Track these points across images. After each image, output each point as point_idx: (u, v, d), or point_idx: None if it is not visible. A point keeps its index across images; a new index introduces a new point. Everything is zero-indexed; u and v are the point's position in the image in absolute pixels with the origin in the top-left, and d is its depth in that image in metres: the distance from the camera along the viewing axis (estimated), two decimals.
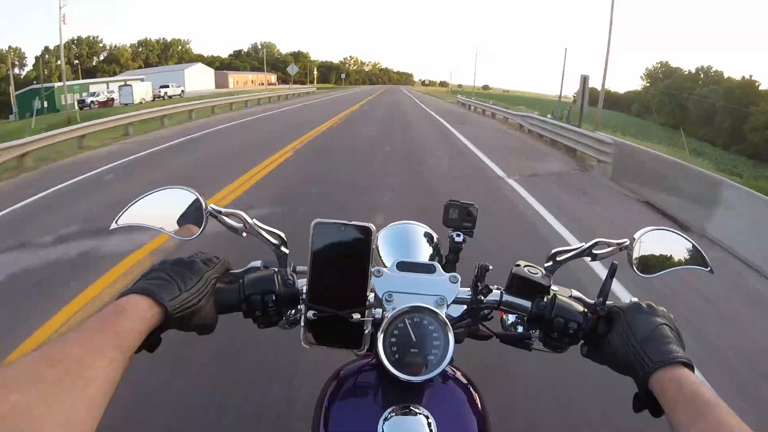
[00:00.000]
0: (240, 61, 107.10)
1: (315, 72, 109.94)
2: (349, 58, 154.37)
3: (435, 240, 0.89)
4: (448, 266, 0.79)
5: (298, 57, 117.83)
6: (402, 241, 0.88)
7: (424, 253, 0.87)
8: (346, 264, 0.61)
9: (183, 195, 0.64)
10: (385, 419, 0.57)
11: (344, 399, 0.65)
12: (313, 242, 0.60)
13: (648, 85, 77.79)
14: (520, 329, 0.72)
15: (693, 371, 0.53)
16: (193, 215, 0.63)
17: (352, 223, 0.61)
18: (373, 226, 0.60)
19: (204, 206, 0.63)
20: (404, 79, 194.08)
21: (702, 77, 62.44)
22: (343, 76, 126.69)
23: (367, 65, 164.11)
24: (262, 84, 71.23)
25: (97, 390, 0.41)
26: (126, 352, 0.47)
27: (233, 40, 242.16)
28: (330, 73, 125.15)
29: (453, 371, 0.69)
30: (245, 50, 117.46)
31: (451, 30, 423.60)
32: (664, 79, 72.96)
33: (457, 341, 0.64)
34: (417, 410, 0.58)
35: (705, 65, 62.94)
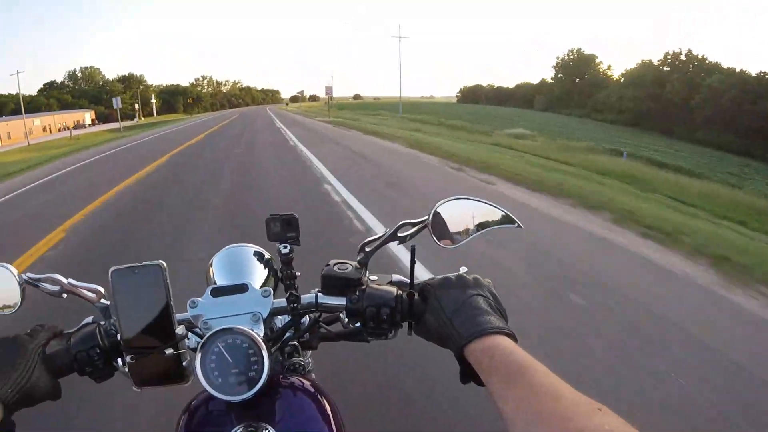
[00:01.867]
0: (47, 97, 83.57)
1: (153, 100, 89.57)
2: (201, 79, 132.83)
3: (266, 257, 0.92)
4: (287, 279, 0.76)
5: (130, 83, 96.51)
6: (230, 265, 0.91)
7: (253, 273, 0.89)
8: (148, 303, 0.62)
9: None
10: None
11: (196, 429, 0.66)
12: (114, 289, 0.62)
13: (560, 76, 70.90)
14: (358, 324, 0.72)
15: (514, 339, 0.54)
16: (9, 288, 0.65)
17: (144, 263, 0.62)
18: (163, 263, 0.62)
19: (17, 278, 0.65)
20: (270, 97, 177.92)
21: (677, 64, 55.09)
22: (189, 101, 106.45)
23: (224, 85, 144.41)
24: (68, 128, 51.10)
25: None
26: None
27: (45, 71, 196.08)
28: (175, 100, 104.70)
29: (301, 382, 0.71)
30: (60, 80, 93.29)
31: (317, 41, 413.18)
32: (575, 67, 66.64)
33: (311, 348, 0.78)
34: (261, 428, 0.60)
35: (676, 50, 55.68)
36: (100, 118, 78.79)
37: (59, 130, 61.68)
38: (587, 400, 0.43)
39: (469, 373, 0.55)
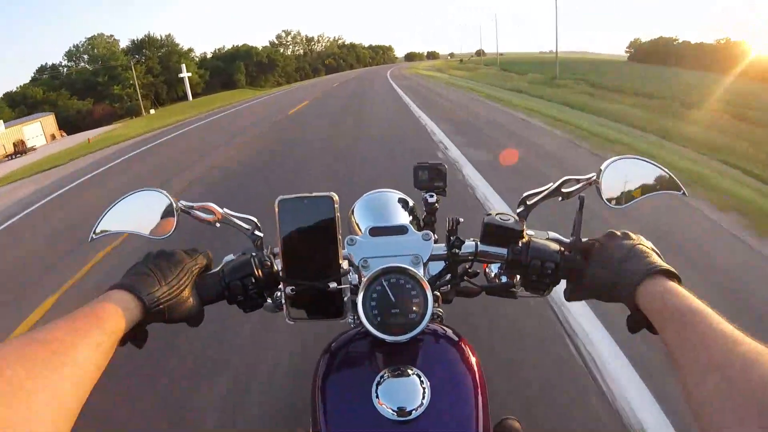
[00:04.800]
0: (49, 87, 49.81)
1: (184, 73, 51.13)
2: (283, 35, 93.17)
3: (410, 204, 0.94)
4: (427, 227, 0.80)
5: (149, 49, 59.09)
6: (377, 209, 0.93)
7: (400, 218, 0.90)
8: (315, 236, 0.63)
9: (153, 196, 0.67)
10: (378, 383, 0.59)
11: (337, 370, 0.66)
12: (280, 219, 0.63)
13: None
14: (504, 279, 0.74)
15: (680, 282, 0.55)
16: (165, 214, 0.66)
17: (314, 194, 0.63)
18: (335, 195, 0.62)
19: (174, 204, 0.66)
20: (381, 55, 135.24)
21: None
22: (257, 70, 66.36)
23: (317, 42, 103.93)
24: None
25: (83, 370, 0.45)
26: (110, 337, 0.50)
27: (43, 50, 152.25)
28: (234, 69, 65.71)
29: (443, 329, 0.70)
30: (63, 62, 59.31)
31: None
32: None
33: (446, 301, 0.76)
34: (409, 370, 0.60)
35: None
36: (104, 118, 45.22)
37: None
38: (767, 348, 0.41)
39: (639, 320, 0.56)
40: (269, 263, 0.66)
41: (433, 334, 0.67)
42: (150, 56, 59.38)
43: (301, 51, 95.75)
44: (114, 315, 0.52)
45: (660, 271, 0.55)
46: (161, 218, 0.66)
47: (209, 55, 71.04)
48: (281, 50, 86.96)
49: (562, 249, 0.66)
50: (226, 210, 0.69)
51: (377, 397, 0.57)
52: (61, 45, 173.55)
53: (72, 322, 0.49)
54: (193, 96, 57.88)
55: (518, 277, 0.71)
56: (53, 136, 45.82)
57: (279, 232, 0.63)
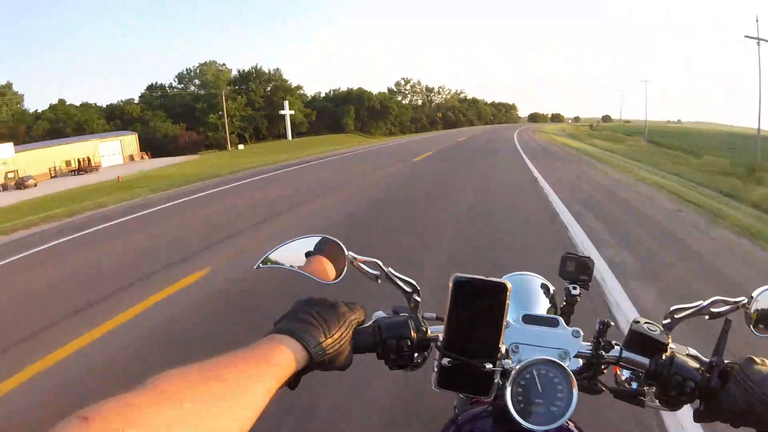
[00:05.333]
0: (149, 106, 48.54)
1: (287, 110, 46.13)
2: (402, 83, 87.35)
3: (551, 292, 0.94)
4: (564, 317, 0.83)
5: (256, 81, 54.74)
6: (521, 293, 0.91)
7: (541, 304, 0.91)
8: (481, 317, 0.65)
9: (328, 243, 0.73)
10: None
11: None
12: (452, 295, 0.65)
13: None
14: (634, 385, 0.74)
15: None
16: (337, 262, 0.71)
17: (490, 279, 0.65)
18: (509, 283, 0.65)
19: (345, 253, 0.71)
20: (503, 113, 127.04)
21: None
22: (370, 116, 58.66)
23: (437, 93, 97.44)
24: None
25: (251, 413, 0.46)
26: (277, 384, 0.52)
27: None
28: (344, 111, 59.52)
29: (567, 424, 0.71)
30: (173, 83, 57.34)
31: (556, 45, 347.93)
32: None
33: None
34: None
35: None
36: (189, 145, 42.32)
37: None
38: None
39: None
40: (425, 329, 0.70)
41: (561, 428, 0.67)
42: (254, 89, 55.78)
43: (420, 101, 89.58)
44: (284, 361, 0.53)
45: None
46: (332, 265, 0.71)
47: (322, 95, 66.27)
48: (399, 98, 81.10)
49: (702, 368, 0.66)
50: (390, 270, 0.72)
51: None
52: (175, 66, 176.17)
53: (245, 362, 0.50)
54: (297, 135, 52.82)
55: (653, 387, 0.70)
56: (131, 157, 41.81)
57: (448, 306, 0.65)
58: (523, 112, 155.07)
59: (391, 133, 64.48)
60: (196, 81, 57.10)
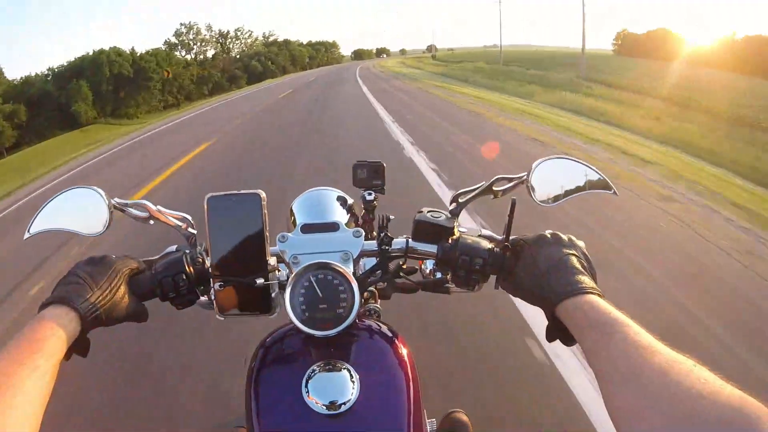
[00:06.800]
0: None
1: None
2: (184, 31, 64.52)
3: (349, 202, 0.93)
4: (366, 225, 0.83)
5: None
6: (313, 206, 0.91)
7: (336, 215, 0.88)
8: (243, 232, 0.64)
9: (87, 194, 0.68)
10: (308, 378, 0.60)
11: (269, 365, 0.67)
12: (208, 216, 0.64)
13: None
14: (439, 275, 0.74)
15: (602, 298, 0.55)
16: (99, 211, 0.67)
17: (242, 192, 0.64)
18: (262, 192, 0.64)
19: (107, 201, 0.67)
20: (322, 54, 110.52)
21: None
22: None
23: (236, 39, 77.07)
24: None
25: (26, 397, 0.45)
26: (51, 359, 0.50)
27: None
28: (73, 96, 38.54)
29: (378, 325, 0.71)
30: None
31: None
32: None
33: (384, 297, 0.78)
34: (339, 365, 0.61)
35: None
36: None
37: None
38: (682, 356, 0.43)
39: (557, 330, 0.57)
40: (201, 260, 0.67)
41: (367, 329, 0.69)
42: None
43: (211, 52, 69.79)
44: (53, 334, 0.52)
45: (583, 291, 0.55)
46: (95, 215, 0.67)
47: (38, 76, 41.71)
48: (183, 53, 60.87)
49: (492, 246, 0.67)
50: (159, 207, 0.69)
51: (307, 391, 0.59)
52: None
53: (10, 351, 0.48)
54: None
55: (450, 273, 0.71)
56: None
57: (208, 229, 0.64)
58: (346, 50, 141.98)
59: (168, 105, 45.96)
60: None
